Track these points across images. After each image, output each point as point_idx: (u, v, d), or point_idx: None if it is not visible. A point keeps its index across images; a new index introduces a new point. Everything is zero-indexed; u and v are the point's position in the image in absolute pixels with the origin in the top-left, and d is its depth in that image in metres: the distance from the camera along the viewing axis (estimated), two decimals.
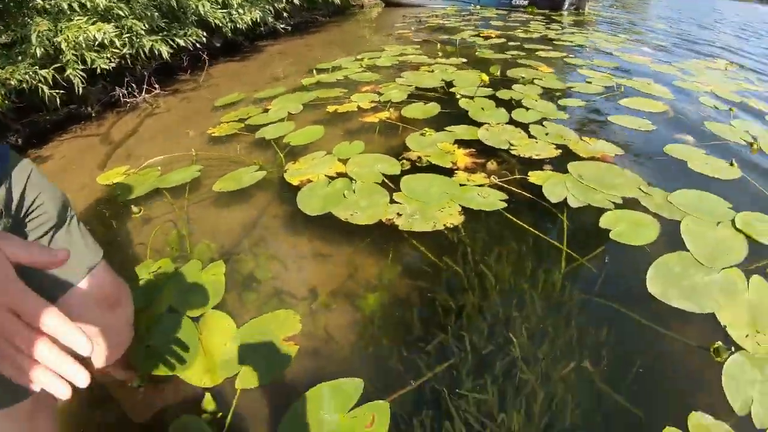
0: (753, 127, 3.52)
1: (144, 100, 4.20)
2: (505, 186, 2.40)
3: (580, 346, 1.62)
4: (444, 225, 2.09)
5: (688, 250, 2.03)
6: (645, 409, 1.44)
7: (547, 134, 3.00)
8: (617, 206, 2.28)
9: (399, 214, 2.17)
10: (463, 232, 2.09)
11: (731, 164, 2.79)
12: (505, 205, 2.26)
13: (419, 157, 2.62)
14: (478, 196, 2.28)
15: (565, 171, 2.54)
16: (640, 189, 2.44)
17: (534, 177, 2.49)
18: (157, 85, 4.38)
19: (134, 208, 2.31)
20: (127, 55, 3.90)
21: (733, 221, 2.21)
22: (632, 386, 1.49)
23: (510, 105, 3.47)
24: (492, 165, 2.63)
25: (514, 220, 2.16)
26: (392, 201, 2.29)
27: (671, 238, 2.12)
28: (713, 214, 2.27)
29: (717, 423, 1.40)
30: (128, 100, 4.12)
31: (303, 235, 2.14)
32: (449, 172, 2.57)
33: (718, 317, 1.74)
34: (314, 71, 4.65)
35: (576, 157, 2.69)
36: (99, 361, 1.34)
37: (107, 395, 1.51)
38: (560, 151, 2.79)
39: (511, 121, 3.18)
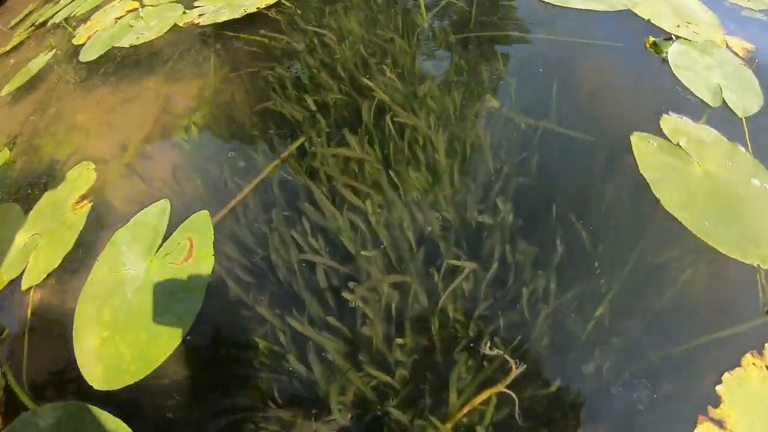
0: None
1: None
2: None
3: (477, 78, 1.15)
4: (257, 8, 1.58)
5: None
6: (594, 132, 1.06)
7: None
8: None
9: (201, 15, 1.60)
10: (286, 5, 1.56)
11: None
12: None
13: None
14: None
15: None
16: None
17: None
18: None
19: None
20: None
21: None
22: (564, 110, 1.11)
23: None
24: None
25: None
26: (192, 7, 1.73)
27: None
28: None
29: (697, 126, 1.09)
30: None
31: (103, 88, 1.62)
32: None
33: (637, 12, 1.41)
34: None
35: None
36: None
37: None
38: None
39: None
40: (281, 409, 0.79)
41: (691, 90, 1.16)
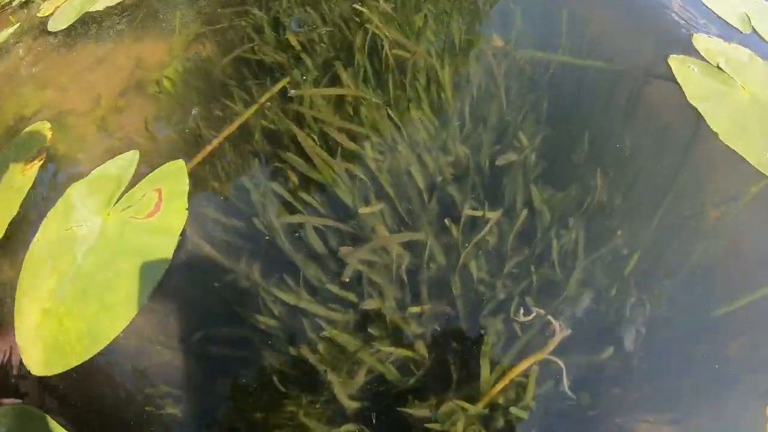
0: None
1: None
2: None
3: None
4: None
5: None
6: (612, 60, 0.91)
7: None
8: None
9: None
10: None
11: None
12: None
13: None
14: None
15: None
16: None
17: None
18: None
19: None
20: None
21: None
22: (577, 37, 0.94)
23: None
24: None
25: None
26: None
27: None
28: None
29: (729, 45, 0.97)
30: None
31: (77, 48, 1.49)
32: None
33: None
34: None
35: None
36: None
37: None
38: None
39: None
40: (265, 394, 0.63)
41: (718, 14, 1.05)
